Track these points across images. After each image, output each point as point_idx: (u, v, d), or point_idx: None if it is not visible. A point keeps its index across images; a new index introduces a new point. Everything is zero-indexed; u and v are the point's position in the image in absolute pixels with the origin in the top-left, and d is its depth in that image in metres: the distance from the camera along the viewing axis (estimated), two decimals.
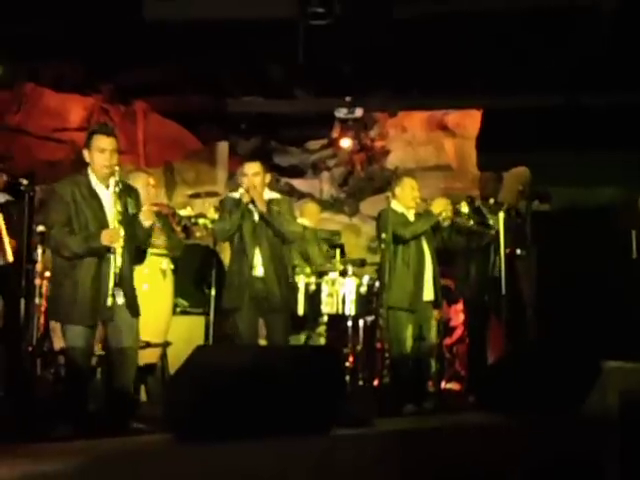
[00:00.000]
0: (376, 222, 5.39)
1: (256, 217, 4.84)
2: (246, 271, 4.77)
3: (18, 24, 6.08)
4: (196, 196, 7.34)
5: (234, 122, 8.54)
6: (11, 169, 6.47)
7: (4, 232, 4.56)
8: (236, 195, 4.94)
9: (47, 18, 5.85)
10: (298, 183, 8.94)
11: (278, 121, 8.66)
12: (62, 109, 7.78)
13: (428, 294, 5.20)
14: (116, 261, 4.02)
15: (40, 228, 4.78)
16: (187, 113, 8.01)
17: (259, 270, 4.79)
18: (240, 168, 5.04)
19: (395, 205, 5.26)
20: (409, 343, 5.07)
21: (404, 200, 5.24)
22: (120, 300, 4.07)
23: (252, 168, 4.87)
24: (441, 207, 5.19)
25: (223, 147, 8.54)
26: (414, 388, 5.07)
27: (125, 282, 4.10)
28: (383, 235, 5.08)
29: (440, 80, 7.29)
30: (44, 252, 4.94)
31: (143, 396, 5.08)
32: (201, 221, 6.35)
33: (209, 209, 6.58)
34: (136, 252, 4.28)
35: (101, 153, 4.09)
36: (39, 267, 4.94)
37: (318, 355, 3.54)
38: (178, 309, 5.83)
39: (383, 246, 5.16)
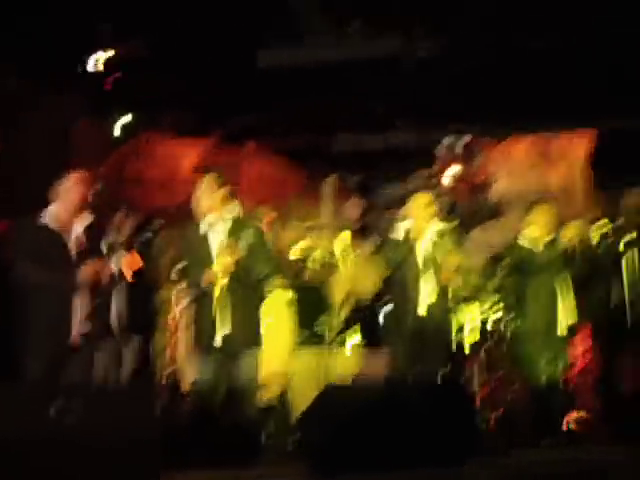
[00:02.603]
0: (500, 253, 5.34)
1: (418, 253, 4.79)
2: (409, 307, 4.73)
3: (136, 80, 6.47)
4: (309, 230, 7.46)
5: (340, 157, 8.69)
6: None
7: None
8: (398, 236, 4.92)
9: (167, 72, 6.18)
10: None
11: (382, 154, 8.76)
12: (176, 156, 8.11)
13: (561, 324, 5.12)
14: (216, 296, 4.14)
15: (179, 266, 5.06)
16: (295, 151, 8.21)
17: (421, 308, 4.72)
18: (410, 201, 4.94)
19: (528, 233, 5.21)
20: (546, 370, 5.00)
21: (539, 227, 5.21)
22: (219, 337, 4.15)
23: (423, 199, 4.85)
24: (573, 232, 5.14)
25: (330, 182, 8.67)
26: (549, 419, 4.99)
27: (237, 313, 4.20)
28: (502, 264, 5.07)
29: (546, 103, 7.21)
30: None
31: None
32: (317, 254, 6.43)
33: (323, 242, 6.69)
34: (258, 285, 4.40)
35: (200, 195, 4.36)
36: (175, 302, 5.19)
37: (447, 387, 3.57)
38: (298, 341, 5.92)
39: (501, 274, 5.14)
